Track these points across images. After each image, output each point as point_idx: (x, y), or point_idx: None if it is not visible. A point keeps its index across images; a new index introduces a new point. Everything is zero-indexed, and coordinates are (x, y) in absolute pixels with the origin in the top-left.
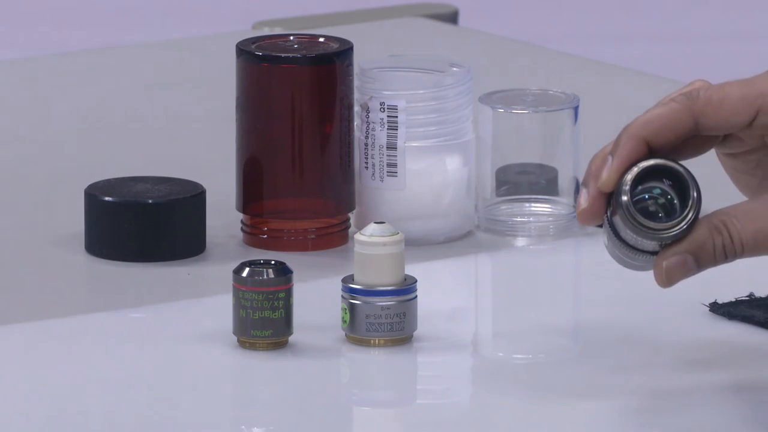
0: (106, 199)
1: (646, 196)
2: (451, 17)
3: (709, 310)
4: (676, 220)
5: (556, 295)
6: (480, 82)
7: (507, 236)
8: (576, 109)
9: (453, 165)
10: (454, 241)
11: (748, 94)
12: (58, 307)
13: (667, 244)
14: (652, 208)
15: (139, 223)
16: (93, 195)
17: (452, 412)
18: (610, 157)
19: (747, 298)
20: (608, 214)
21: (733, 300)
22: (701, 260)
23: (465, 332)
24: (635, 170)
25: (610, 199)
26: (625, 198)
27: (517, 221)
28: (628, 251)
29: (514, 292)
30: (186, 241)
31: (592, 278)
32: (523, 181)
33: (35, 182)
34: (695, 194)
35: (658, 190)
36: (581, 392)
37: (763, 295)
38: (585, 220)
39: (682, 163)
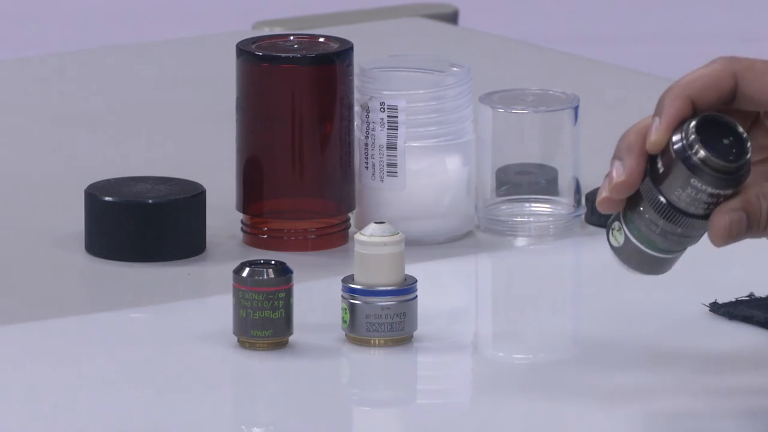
0: (106, 199)
1: (710, 142)
2: (451, 17)
3: (709, 310)
4: (743, 161)
5: (556, 295)
6: (480, 82)
7: (507, 236)
8: (576, 109)
9: (453, 165)
10: (454, 241)
11: None
12: (58, 307)
13: (720, 201)
14: (719, 150)
15: (139, 223)
16: (93, 195)
17: (452, 412)
18: (657, 118)
19: (747, 298)
20: (649, 183)
21: (733, 300)
22: (751, 221)
23: (465, 332)
24: (694, 122)
25: (651, 166)
26: (695, 145)
27: (517, 221)
28: (670, 222)
29: (514, 292)
30: (186, 241)
31: (592, 278)
32: (523, 181)
33: (35, 182)
34: (748, 139)
35: (712, 135)
36: (581, 392)
37: (763, 295)
38: (619, 194)
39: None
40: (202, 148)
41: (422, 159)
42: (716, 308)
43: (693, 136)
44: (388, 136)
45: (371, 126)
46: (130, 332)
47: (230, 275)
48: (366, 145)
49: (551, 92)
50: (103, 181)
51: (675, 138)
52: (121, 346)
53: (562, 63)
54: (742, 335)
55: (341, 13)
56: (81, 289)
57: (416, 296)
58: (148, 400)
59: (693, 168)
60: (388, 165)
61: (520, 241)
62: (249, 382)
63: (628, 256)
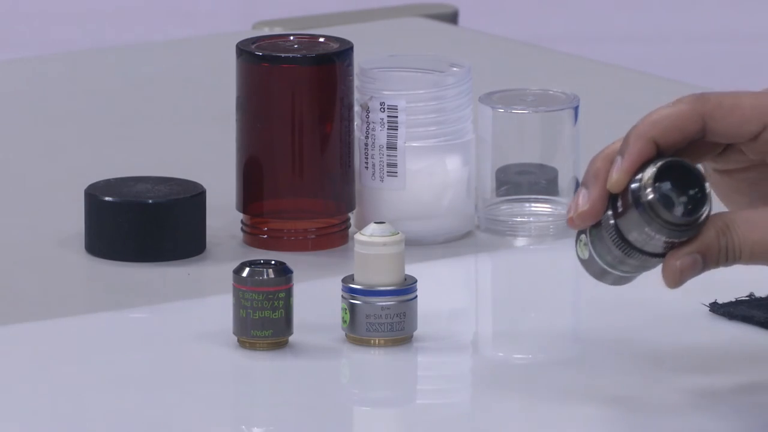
0: (106, 199)
1: (665, 193)
2: (451, 17)
3: (709, 310)
4: (697, 215)
5: (555, 295)
6: (480, 82)
7: (507, 236)
8: (576, 109)
9: (453, 165)
10: (454, 241)
11: (760, 105)
12: (58, 307)
13: (676, 245)
14: (672, 204)
15: (139, 223)
16: (93, 195)
17: (452, 412)
18: (619, 158)
19: (747, 298)
20: (610, 215)
21: (733, 300)
22: (707, 261)
23: (465, 332)
24: (653, 169)
25: (612, 200)
26: (649, 194)
27: (517, 221)
28: (626, 255)
29: (514, 292)
30: (186, 241)
31: (591, 278)
32: (523, 181)
33: (35, 182)
34: (709, 191)
35: (668, 186)
36: (581, 392)
37: (763, 295)
38: (582, 222)
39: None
40: (202, 148)
41: (422, 159)
42: (716, 308)
43: (649, 188)
44: (388, 136)
45: (371, 126)
46: (130, 332)
47: (230, 275)
48: (366, 145)
49: (551, 92)
50: (103, 181)
51: (634, 181)
52: (121, 346)
53: (562, 63)
54: (742, 335)
55: (341, 13)
56: (81, 289)
57: (416, 296)
58: (148, 400)
59: (646, 217)
60: (388, 165)
61: (520, 241)
62: (249, 382)
63: (592, 269)
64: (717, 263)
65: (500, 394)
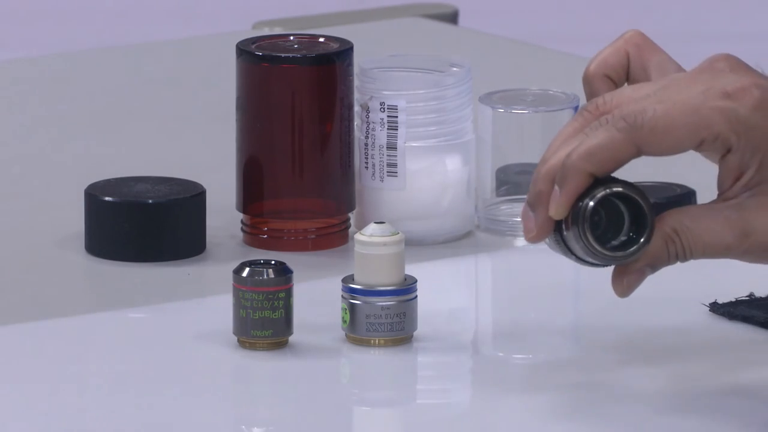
0: (106, 199)
1: (600, 226)
2: (451, 17)
3: (709, 310)
4: (633, 249)
5: (555, 295)
6: (480, 82)
7: (507, 236)
8: (576, 109)
9: (453, 165)
10: (454, 241)
11: (694, 123)
12: (58, 307)
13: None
14: (605, 239)
15: (139, 223)
16: (93, 195)
17: (452, 412)
18: (557, 190)
19: (747, 298)
20: (559, 230)
21: (733, 300)
22: (656, 267)
23: (465, 332)
24: (591, 203)
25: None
26: (585, 227)
27: (517, 221)
28: (579, 260)
29: (514, 292)
30: (186, 241)
31: (591, 278)
32: (523, 181)
33: (35, 182)
34: (651, 221)
35: (604, 219)
36: (581, 392)
37: (763, 295)
38: (536, 242)
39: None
40: (202, 148)
41: (422, 159)
42: (716, 308)
43: (585, 223)
44: (388, 136)
45: (371, 126)
46: (130, 332)
47: (230, 275)
48: (366, 145)
49: (551, 92)
50: (103, 181)
51: (576, 206)
52: (121, 346)
53: (562, 63)
54: (742, 335)
55: (341, 13)
56: (81, 289)
57: (416, 296)
58: (148, 400)
59: (582, 244)
60: (388, 165)
61: (520, 241)
62: (249, 382)
63: (554, 250)
64: (669, 263)
65: (500, 394)
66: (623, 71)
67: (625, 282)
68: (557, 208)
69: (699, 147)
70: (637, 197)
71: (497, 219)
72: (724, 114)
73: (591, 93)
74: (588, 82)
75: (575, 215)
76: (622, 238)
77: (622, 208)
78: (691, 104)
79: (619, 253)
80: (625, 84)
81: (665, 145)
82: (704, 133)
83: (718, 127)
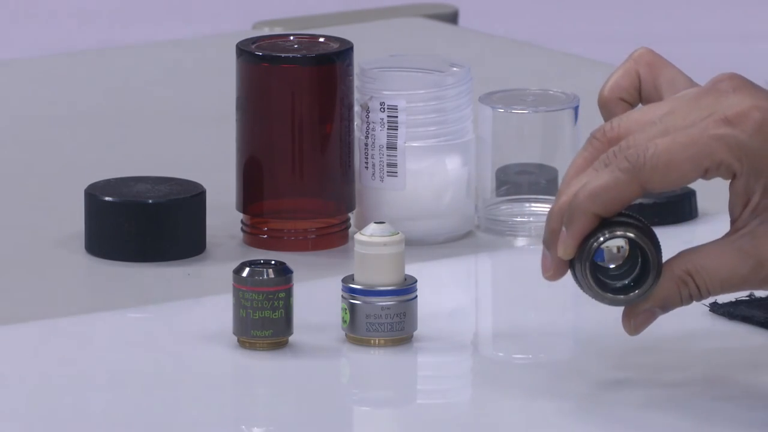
0: (106, 199)
1: (603, 270)
2: (451, 17)
3: (709, 310)
4: (635, 294)
5: (555, 294)
6: (480, 82)
7: (507, 236)
8: (576, 109)
9: (453, 165)
10: (454, 241)
11: (695, 155)
12: (58, 307)
13: None
14: (606, 284)
15: (139, 223)
16: (93, 195)
17: (452, 412)
18: (564, 231)
19: (747, 298)
20: (572, 268)
21: (733, 300)
22: (668, 309)
23: (465, 332)
24: (595, 245)
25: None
26: (587, 271)
27: (517, 221)
28: (590, 295)
29: (514, 292)
30: (186, 241)
31: None
32: (523, 181)
33: (35, 182)
34: (656, 265)
35: (614, 252)
36: (581, 392)
37: (763, 295)
38: (554, 280)
39: (644, 219)
40: (202, 148)
41: (422, 159)
42: (716, 308)
43: (587, 266)
44: (388, 136)
45: (371, 126)
46: (130, 332)
47: (230, 275)
48: (366, 145)
49: (551, 92)
50: (103, 181)
51: (583, 247)
52: (121, 346)
53: (562, 63)
54: (742, 335)
55: (341, 13)
56: (81, 289)
57: (416, 296)
58: (148, 400)
59: (585, 288)
60: (388, 165)
61: (520, 241)
62: (249, 382)
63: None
64: (680, 305)
65: (500, 394)
66: (636, 92)
67: (632, 323)
68: (565, 249)
69: (705, 175)
70: (641, 242)
71: (497, 219)
72: (724, 141)
73: (608, 117)
74: (604, 106)
75: (579, 257)
76: (627, 281)
77: (611, 272)
78: (691, 135)
79: (621, 297)
80: (639, 105)
81: (669, 181)
82: (706, 162)
83: (720, 155)
